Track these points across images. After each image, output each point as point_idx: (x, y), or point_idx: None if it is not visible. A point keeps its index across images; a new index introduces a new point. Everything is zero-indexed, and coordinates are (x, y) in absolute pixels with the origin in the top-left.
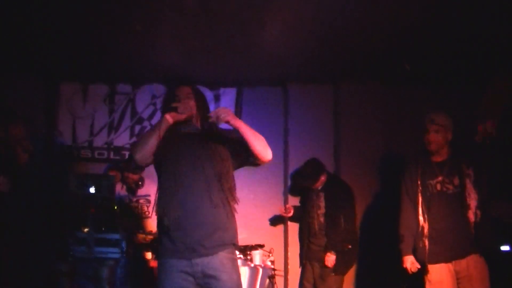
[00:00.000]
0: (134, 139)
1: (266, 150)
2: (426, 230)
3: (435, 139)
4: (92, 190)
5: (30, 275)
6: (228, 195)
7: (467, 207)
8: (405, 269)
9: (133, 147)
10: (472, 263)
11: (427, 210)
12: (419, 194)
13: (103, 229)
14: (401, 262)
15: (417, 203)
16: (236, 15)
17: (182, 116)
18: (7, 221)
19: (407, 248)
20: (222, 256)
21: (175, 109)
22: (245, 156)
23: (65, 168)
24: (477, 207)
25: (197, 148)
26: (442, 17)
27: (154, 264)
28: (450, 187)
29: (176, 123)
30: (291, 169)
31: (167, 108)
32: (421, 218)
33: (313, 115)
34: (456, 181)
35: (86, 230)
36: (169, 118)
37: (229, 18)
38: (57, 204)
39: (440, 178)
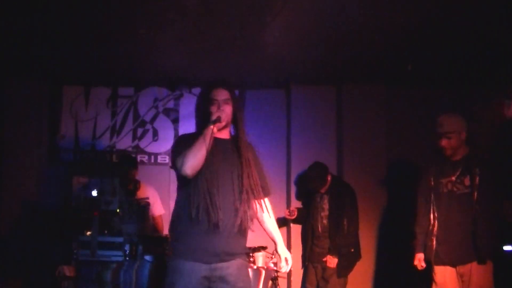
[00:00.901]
0: (136, 142)
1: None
2: (435, 229)
3: (448, 145)
4: (94, 193)
5: (34, 278)
6: (249, 206)
7: (474, 209)
8: (415, 267)
9: (182, 160)
10: (475, 268)
11: (437, 209)
12: (431, 192)
13: (106, 232)
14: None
15: (430, 201)
16: (238, 17)
17: (223, 124)
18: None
19: (418, 246)
20: (240, 263)
21: (219, 120)
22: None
23: (68, 171)
24: (483, 211)
25: (230, 155)
26: (445, 18)
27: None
28: (460, 187)
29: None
30: (293, 171)
31: (211, 119)
32: (431, 216)
33: (316, 117)
34: (467, 181)
35: (89, 233)
36: (215, 129)
37: (231, 20)
38: (60, 207)
39: (452, 178)
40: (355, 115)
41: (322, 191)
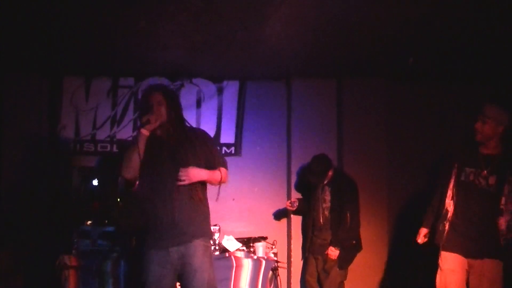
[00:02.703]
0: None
1: (224, 179)
2: (450, 215)
3: (481, 130)
4: (95, 183)
5: (35, 268)
6: (193, 193)
7: (499, 212)
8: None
9: (120, 168)
10: (487, 264)
11: (456, 195)
12: (453, 177)
13: (106, 222)
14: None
15: (448, 185)
16: (239, 10)
17: (156, 124)
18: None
19: (424, 221)
20: (198, 244)
21: (148, 122)
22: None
23: (68, 162)
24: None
25: (168, 151)
26: (447, 12)
27: None
28: (483, 182)
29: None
30: (294, 163)
31: (141, 122)
32: (447, 201)
33: (316, 110)
34: (492, 180)
35: (89, 223)
36: (145, 132)
37: (232, 12)
38: (61, 198)
39: (477, 170)
40: (355, 108)
41: (324, 182)
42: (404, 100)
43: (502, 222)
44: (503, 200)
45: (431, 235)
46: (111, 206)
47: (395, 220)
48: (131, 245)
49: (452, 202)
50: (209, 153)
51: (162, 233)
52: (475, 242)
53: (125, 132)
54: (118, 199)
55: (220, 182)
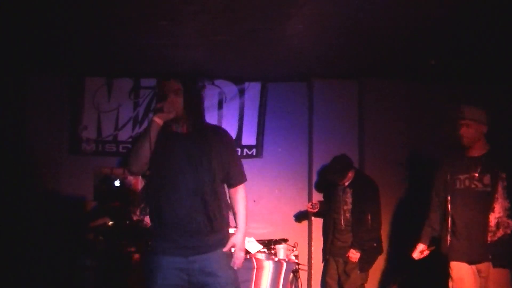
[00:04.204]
0: None
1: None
2: (449, 225)
3: (467, 134)
4: (117, 183)
5: (55, 268)
6: (216, 197)
7: (491, 209)
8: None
9: (128, 158)
10: (493, 268)
11: (453, 205)
12: (448, 188)
13: (127, 223)
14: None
15: (446, 197)
16: (260, 10)
17: (170, 115)
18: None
19: (421, 237)
20: (219, 253)
21: (161, 110)
22: (224, 177)
23: (90, 162)
24: (502, 215)
25: (183, 150)
26: (469, 12)
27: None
28: (479, 184)
29: (167, 122)
30: (315, 165)
31: (154, 108)
32: (447, 211)
33: (337, 111)
34: (487, 180)
35: (110, 223)
36: (158, 120)
37: (253, 12)
38: (82, 198)
39: (470, 174)
40: (376, 110)
41: (345, 184)
42: (425, 100)
43: (492, 219)
44: (494, 195)
45: (436, 245)
46: (133, 206)
47: (415, 222)
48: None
49: (448, 211)
50: (228, 161)
51: (175, 239)
52: (476, 247)
53: None
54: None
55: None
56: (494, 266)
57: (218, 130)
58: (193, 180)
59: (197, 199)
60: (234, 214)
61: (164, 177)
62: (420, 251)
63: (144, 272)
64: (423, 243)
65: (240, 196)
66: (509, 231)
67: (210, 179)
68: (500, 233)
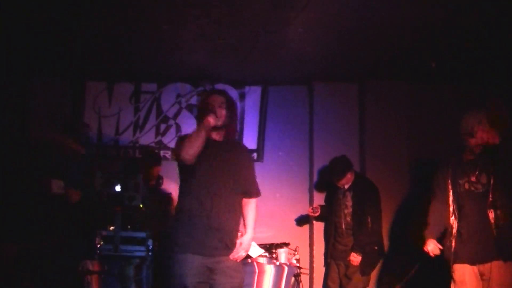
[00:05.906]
0: (159, 137)
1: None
2: (455, 230)
3: (480, 141)
4: (118, 188)
5: (57, 273)
6: (240, 203)
7: (490, 206)
8: (427, 253)
9: (181, 147)
10: (495, 267)
11: (458, 210)
12: (450, 193)
13: (129, 227)
14: (423, 245)
15: (448, 203)
16: (261, 14)
17: (219, 122)
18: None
19: (430, 233)
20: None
21: (214, 112)
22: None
23: (91, 167)
24: (501, 208)
25: (224, 157)
26: (469, 13)
27: None
28: (479, 186)
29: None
30: (316, 168)
31: (206, 111)
32: (452, 217)
33: (338, 114)
34: (484, 179)
35: (112, 228)
36: (212, 120)
37: (254, 16)
38: (84, 202)
39: (468, 178)
40: (377, 112)
41: (345, 187)
42: (426, 102)
43: (494, 216)
44: (491, 192)
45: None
46: (134, 210)
47: (417, 225)
48: (153, 250)
49: (454, 217)
50: (247, 175)
51: (201, 239)
52: (478, 248)
53: (148, 138)
54: (141, 205)
55: None
56: (504, 260)
57: (242, 145)
58: (224, 185)
59: (227, 203)
60: (244, 221)
61: (199, 180)
62: (435, 245)
63: (168, 270)
64: (434, 238)
65: (252, 206)
66: (506, 223)
67: (237, 187)
68: (504, 228)
